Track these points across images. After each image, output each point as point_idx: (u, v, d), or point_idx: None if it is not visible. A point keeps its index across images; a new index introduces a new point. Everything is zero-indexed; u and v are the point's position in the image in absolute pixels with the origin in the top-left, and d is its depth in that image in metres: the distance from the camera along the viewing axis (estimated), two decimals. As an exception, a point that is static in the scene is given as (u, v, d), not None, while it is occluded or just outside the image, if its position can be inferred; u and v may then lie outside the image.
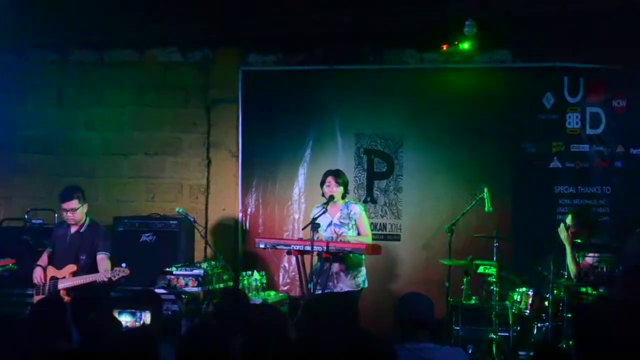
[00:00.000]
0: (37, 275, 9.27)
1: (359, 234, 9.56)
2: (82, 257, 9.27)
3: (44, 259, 9.46)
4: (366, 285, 9.50)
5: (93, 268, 9.22)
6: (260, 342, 5.36)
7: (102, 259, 9.28)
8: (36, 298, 9.14)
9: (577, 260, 9.17)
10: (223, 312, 6.62)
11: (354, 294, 9.27)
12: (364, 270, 9.51)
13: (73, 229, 9.38)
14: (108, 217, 10.87)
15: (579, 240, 9.19)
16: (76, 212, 9.29)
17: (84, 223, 9.37)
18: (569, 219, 9.44)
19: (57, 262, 9.34)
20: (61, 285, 9.11)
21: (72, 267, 9.21)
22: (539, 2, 9.81)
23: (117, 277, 8.96)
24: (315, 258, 9.24)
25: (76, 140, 12.04)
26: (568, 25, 10.24)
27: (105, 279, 8.97)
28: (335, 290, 9.23)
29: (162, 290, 9.17)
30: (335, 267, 9.28)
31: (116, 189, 10.85)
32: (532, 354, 9.04)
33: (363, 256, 9.47)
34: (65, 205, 9.27)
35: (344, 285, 9.30)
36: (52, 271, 9.27)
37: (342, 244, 9.29)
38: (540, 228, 10.59)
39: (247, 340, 5.42)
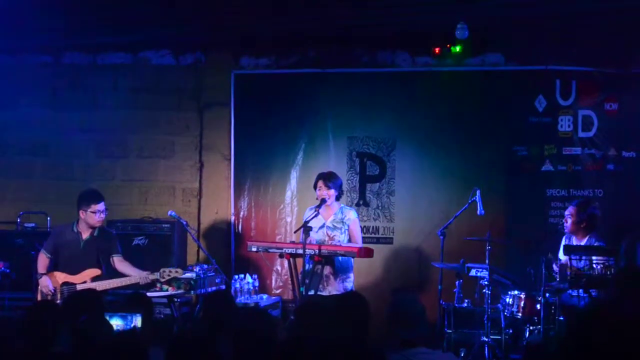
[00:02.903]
0: (47, 283, 9.10)
1: (349, 240, 9.55)
2: (103, 261, 9.26)
3: (44, 266, 9.33)
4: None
5: (111, 270, 9.26)
6: (251, 345, 5.38)
7: (121, 261, 9.33)
8: None
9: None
10: (210, 316, 6.63)
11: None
12: (352, 275, 9.52)
13: (85, 235, 9.30)
14: (101, 220, 10.89)
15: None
16: (103, 214, 9.27)
17: (96, 227, 9.34)
18: (569, 210, 9.53)
19: (69, 267, 9.20)
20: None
21: (95, 272, 9.15)
22: (531, 5, 9.79)
23: (166, 278, 8.98)
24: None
25: (69, 143, 12.02)
26: (560, 28, 10.26)
27: (149, 281, 9.02)
28: (324, 294, 9.23)
29: (153, 294, 9.17)
30: (325, 270, 9.29)
31: (109, 192, 10.80)
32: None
33: (352, 262, 9.48)
34: (100, 207, 9.23)
35: (333, 289, 9.29)
36: (63, 277, 9.14)
37: (334, 246, 9.30)
38: (533, 231, 10.63)
39: (237, 344, 5.43)
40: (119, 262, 9.29)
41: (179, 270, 9.08)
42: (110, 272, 9.25)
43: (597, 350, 4.51)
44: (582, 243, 9.46)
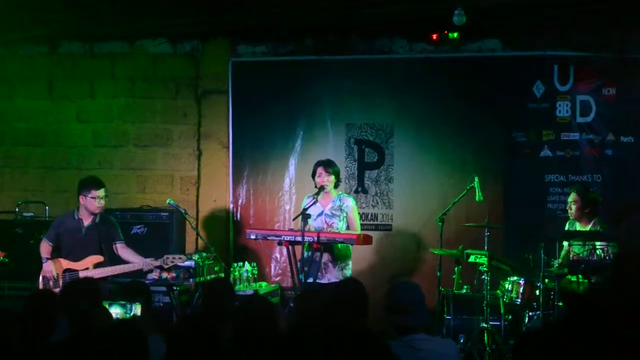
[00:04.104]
0: (50, 268, 9.10)
1: (348, 227, 9.55)
2: (106, 248, 9.25)
3: (47, 252, 9.29)
4: None
5: (113, 257, 9.26)
6: (250, 333, 5.38)
7: (124, 247, 9.33)
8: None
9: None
10: (209, 304, 6.64)
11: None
12: (351, 263, 9.52)
13: (86, 222, 9.28)
14: (99, 209, 10.88)
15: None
16: (103, 200, 9.27)
17: (96, 214, 9.33)
18: (571, 197, 9.52)
19: (71, 254, 9.19)
20: (85, 275, 8.94)
21: (97, 258, 9.14)
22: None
23: (169, 265, 9.00)
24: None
25: (67, 133, 12.05)
26: (558, 14, 10.24)
27: (152, 267, 9.07)
28: (322, 281, 9.24)
29: (152, 280, 9.18)
30: (324, 257, 9.28)
31: (107, 181, 10.77)
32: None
33: (350, 249, 9.48)
34: (100, 193, 9.21)
35: (332, 276, 9.29)
36: (65, 264, 9.13)
37: (333, 234, 9.29)
38: (531, 217, 10.62)
39: (237, 332, 5.43)
40: (122, 249, 9.31)
41: (182, 256, 9.10)
42: (113, 259, 9.25)
43: (595, 335, 4.51)
44: (588, 228, 9.45)
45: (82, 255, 9.15)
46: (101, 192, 9.23)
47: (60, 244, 9.32)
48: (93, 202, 9.19)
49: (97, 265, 9.11)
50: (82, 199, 9.24)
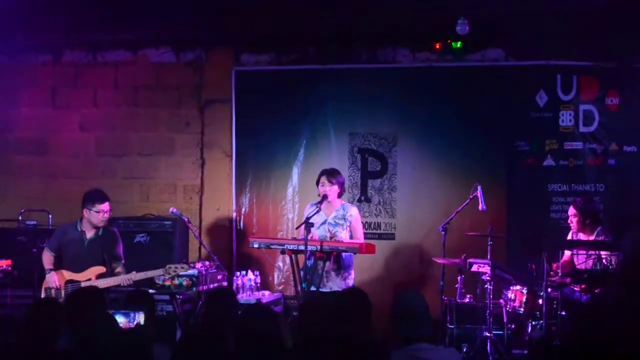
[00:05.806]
0: (54, 278, 9.05)
1: (351, 237, 9.53)
2: (108, 260, 9.20)
3: (50, 262, 9.24)
4: None
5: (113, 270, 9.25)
6: (253, 342, 5.38)
7: (124, 268, 9.27)
8: None
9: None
10: (212, 313, 6.64)
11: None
12: (353, 272, 9.51)
13: (89, 234, 9.23)
14: (102, 218, 10.87)
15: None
16: (107, 214, 9.25)
17: (99, 227, 9.31)
18: (570, 210, 9.52)
19: (74, 266, 9.13)
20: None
21: (100, 269, 9.08)
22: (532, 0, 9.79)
23: (172, 274, 8.98)
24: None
25: (70, 141, 12.04)
26: (561, 23, 10.24)
27: (167, 275, 9.04)
28: (325, 290, 9.22)
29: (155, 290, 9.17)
30: (327, 266, 9.26)
31: (110, 190, 10.77)
32: (526, 352, 9.10)
33: (352, 258, 9.47)
34: (104, 207, 9.17)
35: (334, 284, 9.29)
36: (68, 275, 9.09)
37: (336, 242, 9.29)
38: (534, 226, 10.62)
39: (240, 341, 5.43)
40: (122, 270, 9.27)
41: (185, 265, 9.07)
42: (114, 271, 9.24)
43: (602, 345, 4.51)
44: (592, 239, 9.41)
45: (84, 266, 9.10)
46: (105, 206, 9.19)
47: (62, 254, 9.30)
48: (97, 215, 9.17)
49: (100, 277, 9.09)
50: (85, 212, 9.21)
